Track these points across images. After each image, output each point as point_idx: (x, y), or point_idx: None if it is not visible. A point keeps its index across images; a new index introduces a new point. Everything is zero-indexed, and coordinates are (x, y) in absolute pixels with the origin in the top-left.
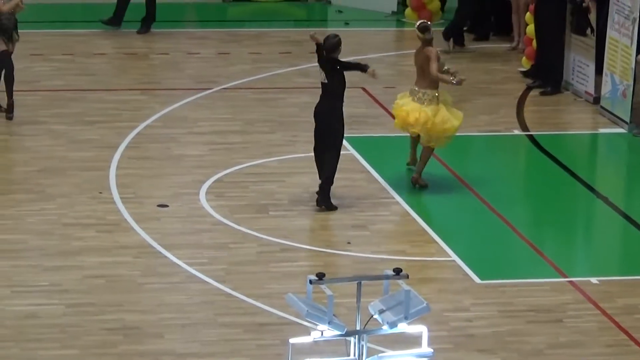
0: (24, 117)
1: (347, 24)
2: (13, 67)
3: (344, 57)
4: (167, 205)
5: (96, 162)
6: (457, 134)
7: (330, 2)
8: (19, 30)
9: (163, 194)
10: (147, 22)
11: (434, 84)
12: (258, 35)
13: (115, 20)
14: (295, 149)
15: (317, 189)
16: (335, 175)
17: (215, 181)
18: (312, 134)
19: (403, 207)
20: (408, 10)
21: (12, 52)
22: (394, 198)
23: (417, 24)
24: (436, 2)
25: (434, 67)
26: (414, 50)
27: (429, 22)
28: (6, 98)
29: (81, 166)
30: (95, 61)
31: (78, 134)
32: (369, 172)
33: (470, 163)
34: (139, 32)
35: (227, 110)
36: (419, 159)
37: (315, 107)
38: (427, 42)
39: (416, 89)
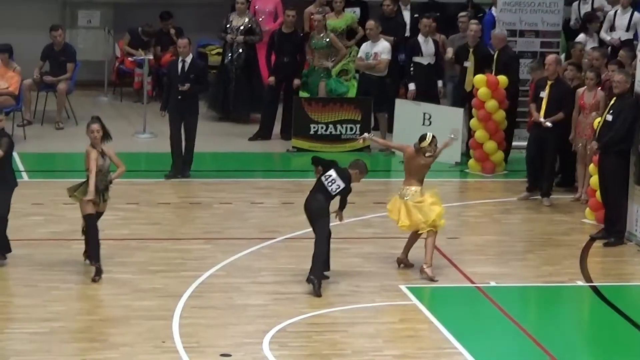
0: (88, 267)
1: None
2: (97, 231)
3: None
4: (230, 355)
5: (159, 311)
6: (520, 284)
7: (394, 153)
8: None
9: (226, 344)
10: (187, 166)
11: (419, 183)
12: None
13: (176, 171)
14: (358, 299)
15: (379, 338)
16: (398, 325)
17: (278, 331)
18: (374, 284)
19: (466, 358)
20: (471, 162)
21: (101, 213)
22: (456, 348)
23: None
24: (500, 153)
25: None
26: (478, 201)
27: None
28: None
29: (145, 315)
30: (159, 210)
31: (142, 283)
32: (432, 322)
33: (534, 314)
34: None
35: (291, 260)
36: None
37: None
38: (420, 152)
39: (406, 187)
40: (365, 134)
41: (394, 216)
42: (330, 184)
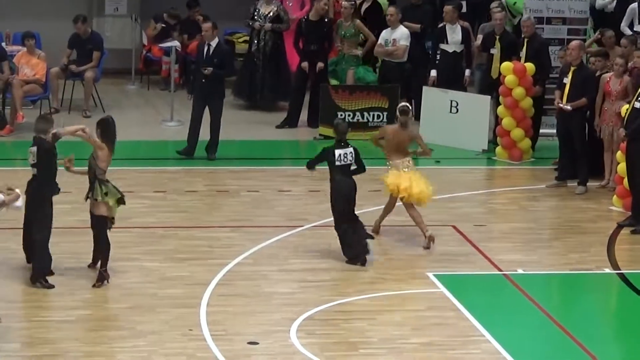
0: (115, 254)
1: (438, 162)
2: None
3: (439, 195)
4: (257, 343)
5: (187, 299)
6: (547, 272)
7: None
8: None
9: (253, 332)
10: (212, 148)
11: (406, 154)
12: None
13: (189, 150)
14: (385, 287)
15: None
16: (425, 313)
17: (305, 319)
18: (401, 271)
19: (494, 346)
20: (499, 149)
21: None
22: (484, 336)
23: (400, 105)
24: (527, 140)
25: (424, 146)
26: (505, 189)
27: (409, 106)
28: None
29: (172, 303)
30: (186, 198)
31: (169, 271)
32: (459, 310)
33: (561, 301)
34: (209, 159)
35: (318, 247)
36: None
37: (346, 187)
38: (405, 125)
39: (399, 161)
40: None
41: (401, 185)
42: (344, 159)
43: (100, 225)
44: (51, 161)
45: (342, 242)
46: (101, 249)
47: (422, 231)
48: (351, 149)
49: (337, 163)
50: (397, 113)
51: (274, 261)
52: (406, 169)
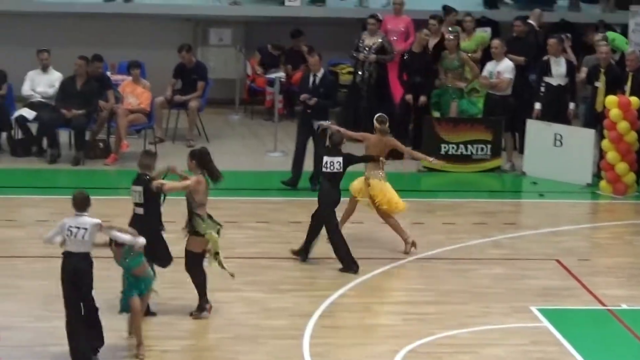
0: (218, 284)
1: (541, 195)
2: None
3: (542, 229)
4: None
5: (290, 331)
6: None
7: (525, 174)
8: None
9: None
10: (317, 179)
11: (379, 166)
12: (452, 206)
13: (293, 180)
14: (489, 320)
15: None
16: (529, 347)
17: (409, 351)
18: (504, 305)
19: None
20: (603, 183)
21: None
22: None
23: (377, 116)
24: (631, 174)
25: (404, 148)
26: (609, 223)
27: (385, 115)
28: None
29: (275, 334)
30: (290, 229)
31: (272, 302)
32: (562, 345)
33: None
34: (312, 190)
35: (421, 280)
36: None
37: (329, 199)
38: (385, 133)
39: (373, 172)
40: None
41: (393, 198)
42: (331, 167)
43: (192, 261)
44: (157, 202)
45: (335, 249)
46: (196, 283)
47: (403, 238)
48: (340, 159)
49: (324, 169)
50: (376, 123)
51: (377, 293)
52: (382, 179)
